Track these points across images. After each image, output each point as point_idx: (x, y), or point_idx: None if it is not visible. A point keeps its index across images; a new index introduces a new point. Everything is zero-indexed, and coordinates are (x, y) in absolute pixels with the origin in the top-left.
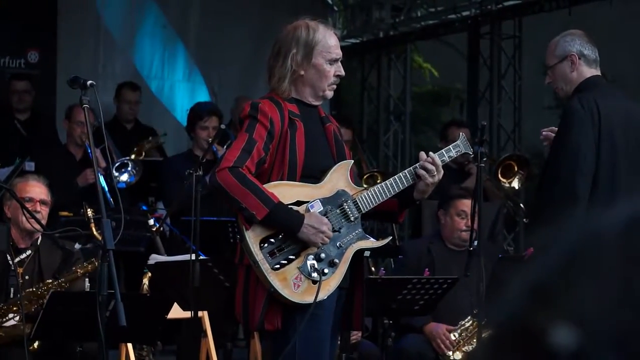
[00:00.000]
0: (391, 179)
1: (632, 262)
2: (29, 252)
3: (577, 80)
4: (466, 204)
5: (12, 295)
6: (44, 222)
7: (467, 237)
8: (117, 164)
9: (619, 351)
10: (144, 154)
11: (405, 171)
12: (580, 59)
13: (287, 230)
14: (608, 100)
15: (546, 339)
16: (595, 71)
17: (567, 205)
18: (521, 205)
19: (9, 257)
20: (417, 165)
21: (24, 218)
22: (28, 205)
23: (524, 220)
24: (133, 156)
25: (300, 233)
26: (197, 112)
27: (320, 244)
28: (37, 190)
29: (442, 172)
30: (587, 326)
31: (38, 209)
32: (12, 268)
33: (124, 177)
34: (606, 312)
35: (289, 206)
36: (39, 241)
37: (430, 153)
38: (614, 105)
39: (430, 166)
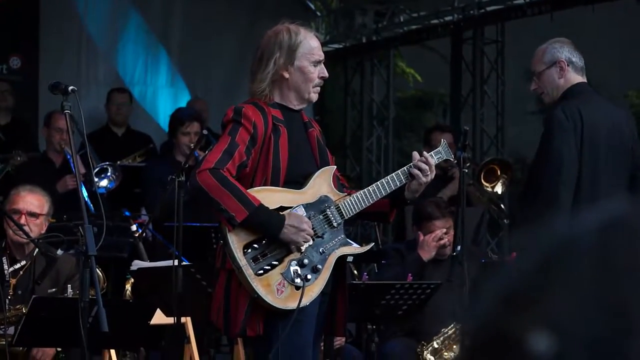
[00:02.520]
0: (376, 183)
1: (606, 267)
2: (23, 262)
3: (564, 86)
4: (438, 225)
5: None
6: (33, 234)
7: (444, 253)
8: (96, 169)
9: (595, 356)
10: (137, 158)
11: (396, 173)
12: (569, 66)
13: (268, 233)
14: (593, 108)
15: (522, 345)
16: (581, 78)
17: (549, 214)
18: (503, 207)
19: (5, 265)
20: (410, 165)
21: (10, 231)
22: (15, 217)
23: (505, 221)
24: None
25: (282, 234)
26: (179, 118)
27: (303, 244)
28: (27, 201)
29: (435, 171)
30: (563, 332)
31: (23, 221)
32: (7, 278)
33: (104, 183)
34: (581, 317)
35: (270, 209)
36: (35, 252)
37: (424, 153)
38: (599, 113)
39: (424, 166)
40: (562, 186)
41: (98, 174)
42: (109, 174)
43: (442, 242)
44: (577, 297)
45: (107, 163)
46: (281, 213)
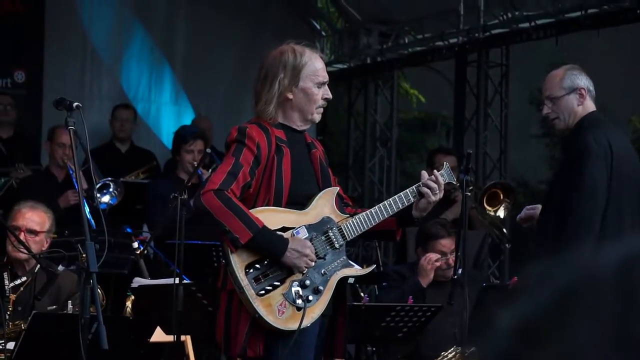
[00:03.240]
0: (379, 205)
1: (627, 301)
2: (24, 278)
3: (581, 114)
4: (444, 244)
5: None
6: (34, 251)
7: (448, 274)
8: (98, 185)
9: None
10: (140, 175)
11: (404, 192)
12: (588, 94)
13: (271, 255)
14: (616, 138)
15: None
16: (594, 107)
17: (584, 240)
18: (505, 231)
19: (5, 281)
20: (419, 183)
21: (10, 247)
22: (15, 232)
23: (507, 245)
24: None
25: (284, 257)
26: (182, 136)
27: (305, 268)
28: (27, 218)
29: (443, 191)
30: None
31: (22, 238)
32: (7, 294)
33: (105, 199)
34: (601, 352)
35: (274, 231)
36: (36, 269)
37: (434, 172)
38: (621, 143)
39: (433, 184)
40: (596, 214)
41: (100, 190)
42: (111, 189)
43: (437, 264)
44: (596, 331)
45: (109, 179)
46: (284, 235)
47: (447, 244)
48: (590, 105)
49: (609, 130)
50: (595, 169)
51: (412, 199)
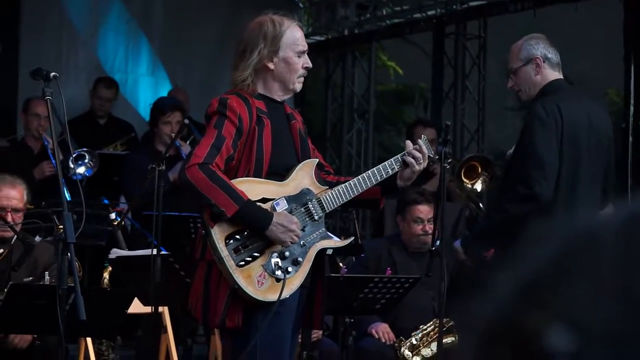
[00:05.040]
0: (359, 176)
1: (629, 261)
2: (0, 250)
3: (541, 83)
4: (422, 210)
5: None
6: (18, 226)
7: (425, 241)
8: (74, 155)
9: (616, 352)
10: (119, 146)
11: (389, 162)
12: (545, 62)
13: (255, 228)
14: (571, 104)
15: (539, 341)
16: (558, 74)
17: (530, 207)
18: (481, 205)
19: None
20: (404, 153)
21: None
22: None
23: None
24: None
25: (269, 231)
26: (160, 107)
27: (290, 243)
28: (10, 197)
29: (427, 160)
30: (583, 326)
31: (10, 219)
32: None
33: (81, 170)
34: (603, 312)
35: (258, 204)
36: (12, 240)
37: (419, 141)
38: (577, 108)
39: (417, 154)
40: (543, 181)
41: (75, 161)
42: (86, 160)
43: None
44: (598, 290)
45: (85, 149)
46: (264, 206)
47: (424, 210)
48: (549, 74)
49: (566, 97)
50: (542, 139)
51: (396, 168)
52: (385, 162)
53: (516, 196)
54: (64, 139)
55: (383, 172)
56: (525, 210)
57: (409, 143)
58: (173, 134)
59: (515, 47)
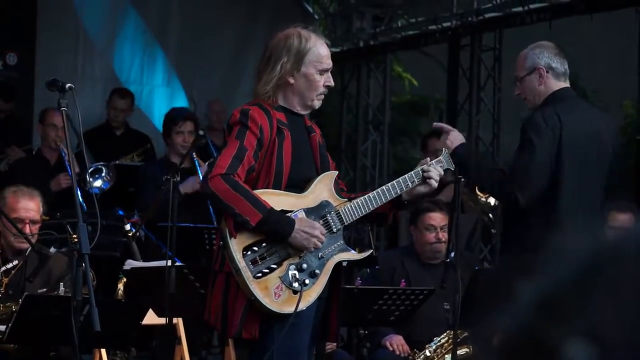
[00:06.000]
0: (378, 189)
1: None
2: (15, 262)
3: (544, 92)
4: (434, 218)
5: None
6: (34, 237)
7: (438, 249)
8: (90, 169)
9: None
10: (135, 157)
11: (409, 175)
12: (548, 72)
13: (279, 236)
14: (573, 115)
15: (560, 353)
16: (563, 84)
17: (527, 219)
18: (492, 218)
19: None
20: (422, 168)
21: (12, 238)
22: (19, 225)
23: (493, 231)
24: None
25: (292, 238)
26: (172, 117)
27: (313, 249)
28: (28, 209)
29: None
30: (604, 341)
31: (28, 230)
32: None
33: (98, 183)
34: (623, 327)
35: (281, 212)
36: (27, 252)
37: (406, 176)
38: (580, 117)
39: (436, 172)
40: (526, 191)
41: (92, 174)
42: (103, 174)
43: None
44: (620, 305)
45: (102, 163)
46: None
47: (437, 217)
48: (553, 84)
49: (569, 107)
50: (537, 148)
51: (416, 182)
52: (405, 175)
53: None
54: (81, 151)
55: (403, 185)
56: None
57: (427, 159)
58: (186, 144)
59: (521, 55)
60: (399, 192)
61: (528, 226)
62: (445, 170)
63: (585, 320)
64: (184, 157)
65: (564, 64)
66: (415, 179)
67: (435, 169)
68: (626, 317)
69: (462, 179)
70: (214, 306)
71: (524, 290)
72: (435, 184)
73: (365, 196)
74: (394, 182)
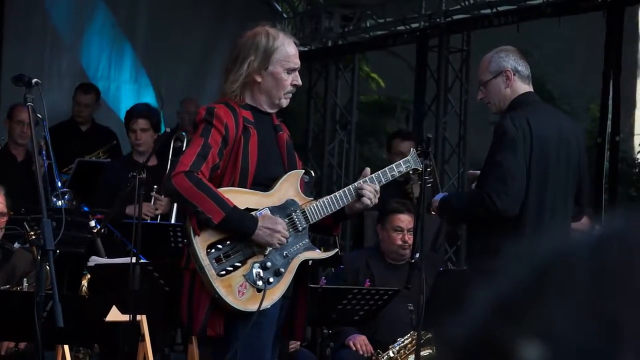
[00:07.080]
0: (342, 190)
1: (600, 279)
2: None
3: (510, 96)
4: (402, 219)
5: None
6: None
7: (404, 253)
8: (59, 192)
9: None
10: (101, 154)
11: (350, 187)
12: (515, 75)
13: (242, 234)
14: (541, 118)
15: (513, 354)
16: (528, 87)
17: (491, 223)
18: None
19: None
20: (360, 184)
21: None
22: None
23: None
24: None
25: (255, 235)
26: (128, 114)
27: (278, 245)
28: None
29: (379, 194)
30: (555, 342)
31: None
32: None
33: (59, 204)
34: (575, 329)
35: (244, 210)
36: None
37: (373, 176)
38: (547, 122)
39: (370, 194)
40: (505, 197)
41: (57, 196)
42: (67, 197)
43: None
44: (570, 307)
45: (68, 190)
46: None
47: (405, 219)
48: (519, 87)
49: (536, 111)
50: (509, 154)
51: (355, 198)
52: (345, 189)
53: (482, 207)
54: (51, 172)
55: (345, 199)
56: (489, 225)
57: (367, 171)
58: (138, 141)
59: (485, 59)
60: (350, 199)
61: (493, 229)
62: (414, 170)
63: (537, 322)
64: (149, 156)
65: (527, 68)
66: (350, 196)
67: (369, 186)
68: (576, 320)
69: (428, 178)
70: (183, 304)
71: (479, 292)
72: (369, 203)
73: (331, 196)
74: (352, 186)
